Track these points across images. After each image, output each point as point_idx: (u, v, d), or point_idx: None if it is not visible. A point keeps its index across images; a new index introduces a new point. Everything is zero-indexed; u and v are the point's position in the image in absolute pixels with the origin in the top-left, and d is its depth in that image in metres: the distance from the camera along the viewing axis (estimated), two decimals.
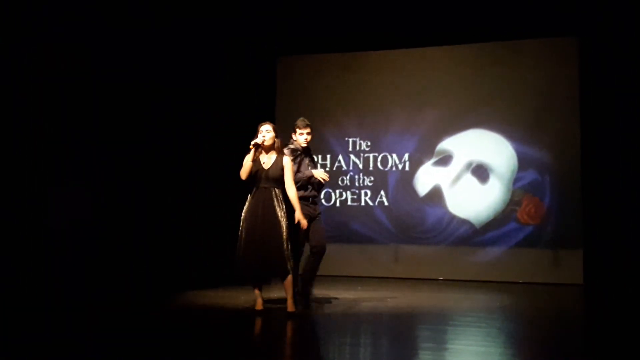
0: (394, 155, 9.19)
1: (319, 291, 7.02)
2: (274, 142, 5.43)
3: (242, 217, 5.38)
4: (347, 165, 9.35)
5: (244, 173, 5.38)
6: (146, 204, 8.76)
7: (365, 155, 9.32)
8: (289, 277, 5.32)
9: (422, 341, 4.83)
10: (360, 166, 9.33)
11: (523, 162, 8.66)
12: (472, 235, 8.79)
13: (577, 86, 8.43)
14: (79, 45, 7.94)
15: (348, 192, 9.32)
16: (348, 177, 9.35)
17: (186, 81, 9.23)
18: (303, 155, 5.97)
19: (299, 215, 5.40)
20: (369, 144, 9.26)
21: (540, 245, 8.49)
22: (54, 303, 6.19)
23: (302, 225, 5.45)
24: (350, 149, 9.35)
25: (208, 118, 9.41)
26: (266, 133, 5.42)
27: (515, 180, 8.69)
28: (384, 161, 9.15)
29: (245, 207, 5.39)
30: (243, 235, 5.32)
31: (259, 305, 5.45)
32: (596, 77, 8.24)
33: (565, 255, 8.37)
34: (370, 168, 9.28)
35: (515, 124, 8.71)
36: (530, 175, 8.62)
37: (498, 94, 8.81)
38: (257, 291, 5.48)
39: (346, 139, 9.39)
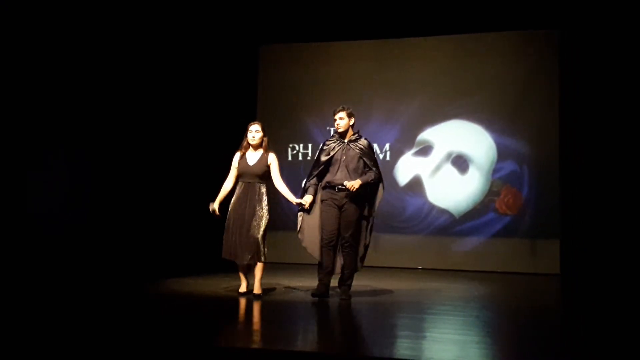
0: (375, 145, 9.18)
1: (298, 279, 7.06)
2: (262, 140, 5.86)
3: (229, 209, 5.81)
4: None
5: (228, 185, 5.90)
6: (124, 193, 8.73)
7: None
8: (260, 264, 5.78)
9: (400, 329, 4.87)
10: None
11: (502, 153, 8.74)
12: (451, 225, 8.87)
13: (557, 78, 8.50)
14: (58, 31, 7.89)
15: None
16: None
17: (168, 70, 9.19)
18: (338, 142, 5.85)
19: (293, 200, 5.80)
20: None
21: (518, 235, 8.59)
22: (31, 292, 6.16)
23: (297, 203, 5.79)
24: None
25: (190, 107, 9.37)
26: (255, 133, 5.86)
27: (494, 170, 8.77)
28: None
29: (232, 200, 5.83)
30: (230, 225, 5.78)
31: (243, 288, 5.90)
32: (575, 70, 8.33)
33: (542, 245, 8.47)
34: None
35: (495, 116, 8.78)
36: (509, 166, 8.71)
37: (478, 86, 8.87)
38: (241, 275, 5.91)
39: (328, 128, 9.37)
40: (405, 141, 9.15)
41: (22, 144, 7.48)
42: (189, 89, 9.35)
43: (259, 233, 5.70)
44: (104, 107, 8.56)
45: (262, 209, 5.73)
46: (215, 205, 5.81)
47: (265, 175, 5.82)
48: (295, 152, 9.47)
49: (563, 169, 8.41)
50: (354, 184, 5.60)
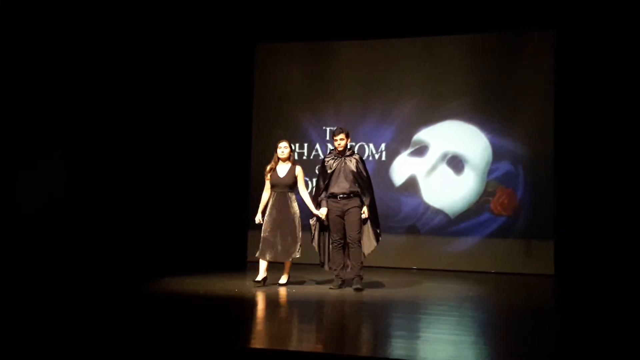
0: (371, 145, 9.23)
1: (295, 278, 7.08)
2: (290, 155, 6.80)
3: (266, 215, 6.70)
4: (325, 154, 9.34)
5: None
6: (118, 192, 8.72)
7: None
8: (290, 260, 6.71)
9: (395, 329, 4.88)
10: None
11: (497, 154, 8.76)
12: (446, 225, 8.88)
13: (552, 79, 8.52)
14: (48, 27, 7.88)
15: None
16: None
17: (163, 68, 9.18)
18: (336, 158, 6.73)
19: (314, 211, 6.67)
20: None
21: (513, 236, 8.61)
22: (28, 292, 6.17)
23: (316, 215, 6.65)
24: (327, 137, 9.36)
25: (186, 105, 9.37)
26: (284, 149, 6.76)
27: (490, 171, 8.78)
28: (361, 151, 9.15)
29: (268, 207, 6.73)
30: (267, 227, 6.65)
31: (259, 277, 6.59)
32: (571, 70, 8.34)
33: (536, 246, 8.49)
34: None
35: (491, 116, 8.80)
36: (504, 167, 8.72)
37: (474, 86, 8.88)
38: (263, 267, 6.62)
39: (323, 127, 9.40)
40: (400, 141, 9.15)
41: (18, 143, 7.47)
42: (184, 87, 9.34)
43: (294, 232, 6.62)
44: (102, 105, 8.56)
45: (294, 213, 6.66)
46: (258, 217, 6.71)
47: (293, 185, 6.75)
48: None
49: (558, 170, 8.42)
50: (366, 212, 6.61)
